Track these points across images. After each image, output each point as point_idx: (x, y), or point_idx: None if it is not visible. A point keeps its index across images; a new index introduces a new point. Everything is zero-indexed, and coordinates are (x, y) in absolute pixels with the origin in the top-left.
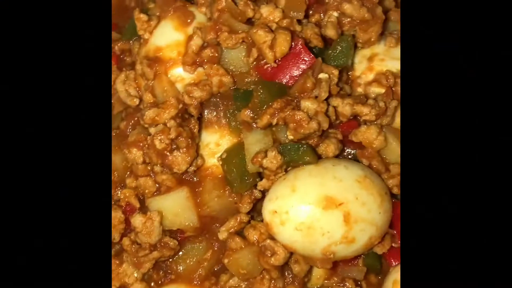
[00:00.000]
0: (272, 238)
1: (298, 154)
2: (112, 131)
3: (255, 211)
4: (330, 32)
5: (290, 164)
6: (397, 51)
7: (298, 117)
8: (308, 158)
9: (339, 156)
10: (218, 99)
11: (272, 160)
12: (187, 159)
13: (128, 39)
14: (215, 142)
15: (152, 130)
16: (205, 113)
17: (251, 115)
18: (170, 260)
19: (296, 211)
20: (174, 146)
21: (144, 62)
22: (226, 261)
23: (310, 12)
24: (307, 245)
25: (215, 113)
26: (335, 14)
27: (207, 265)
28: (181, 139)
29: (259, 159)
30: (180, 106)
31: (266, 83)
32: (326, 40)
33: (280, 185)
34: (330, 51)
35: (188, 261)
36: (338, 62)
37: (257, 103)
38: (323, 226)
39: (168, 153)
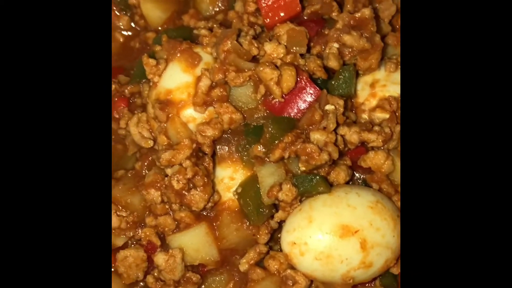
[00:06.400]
0: (292, 267)
1: (312, 185)
2: (128, 172)
3: (272, 240)
4: (333, 63)
5: (304, 194)
6: (397, 75)
7: (309, 150)
8: (321, 188)
9: (349, 181)
10: (229, 135)
11: (287, 193)
12: (205, 196)
13: (137, 82)
14: (229, 177)
15: (168, 171)
16: (217, 149)
17: (263, 150)
18: None
19: (314, 241)
20: (191, 185)
21: (156, 105)
22: None
23: (311, 44)
24: (327, 272)
25: (227, 149)
26: (336, 45)
27: None
28: (197, 178)
29: (275, 192)
30: (194, 146)
31: (276, 119)
32: (328, 71)
33: (296, 216)
34: (334, 82)
35: None
36: (342, 92)
37: (268, 138)
38: (341, 253)
39: (186, 193)
